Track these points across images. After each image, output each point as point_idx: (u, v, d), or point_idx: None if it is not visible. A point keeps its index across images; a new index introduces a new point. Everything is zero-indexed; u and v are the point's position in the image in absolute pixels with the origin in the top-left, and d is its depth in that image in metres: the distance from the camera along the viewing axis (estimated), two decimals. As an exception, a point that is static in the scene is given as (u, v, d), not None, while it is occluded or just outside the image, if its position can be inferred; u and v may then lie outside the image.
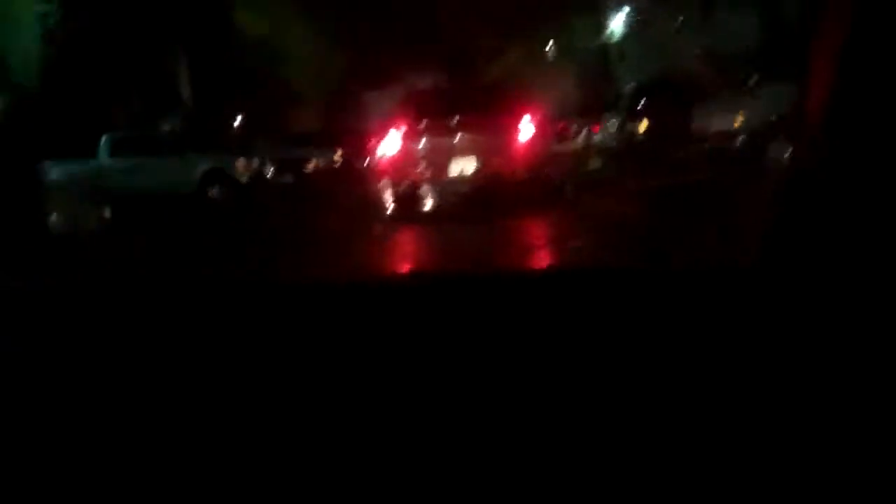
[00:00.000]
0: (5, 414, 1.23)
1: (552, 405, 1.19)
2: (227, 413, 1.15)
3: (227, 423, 1.13)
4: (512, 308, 1.50)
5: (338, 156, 19.80)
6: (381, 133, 10.58)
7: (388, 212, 10.09)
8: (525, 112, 10.82)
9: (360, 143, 20.49)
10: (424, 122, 10.69)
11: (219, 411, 1.16)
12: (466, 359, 1.25)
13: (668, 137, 12.06)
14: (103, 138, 16.05)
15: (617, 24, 28.23)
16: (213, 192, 15.56)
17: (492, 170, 10.36)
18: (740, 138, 9.46)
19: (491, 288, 1.62)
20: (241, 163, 15.86)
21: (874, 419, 1.15)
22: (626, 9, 28.75)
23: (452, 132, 10.52)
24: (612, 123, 16.57)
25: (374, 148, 11.07)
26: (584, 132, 20.08)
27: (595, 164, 16.57)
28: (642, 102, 13.95)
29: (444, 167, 10.37)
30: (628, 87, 17.20)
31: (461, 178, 10.44)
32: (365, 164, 16.82)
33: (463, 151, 10.45)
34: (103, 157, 15.88)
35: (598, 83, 28.47)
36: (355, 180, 15.84)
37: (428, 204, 10.24)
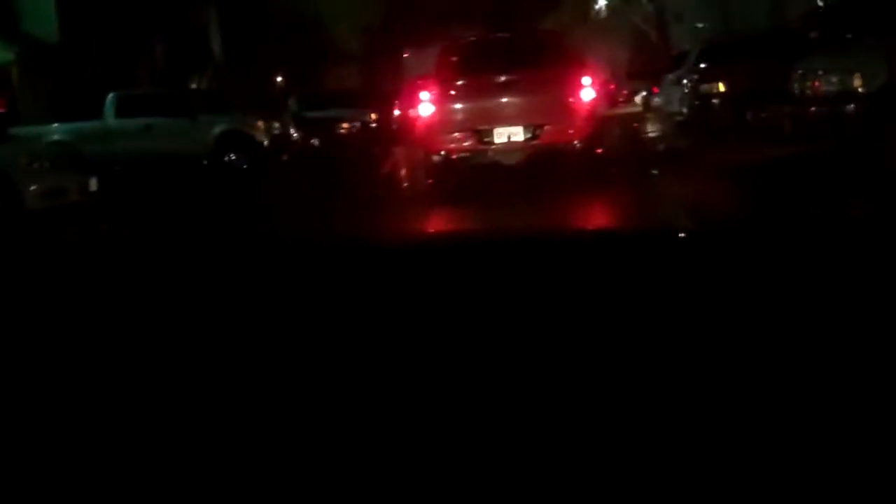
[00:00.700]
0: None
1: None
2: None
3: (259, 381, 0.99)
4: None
5: (372, 117, 17.79)
6: (412, 93, 8.58)
7: (415, 188, 8.24)
8: (583, 70, 8.73)
9: (396, 104, 18.57)
10: (464, 80, 8.66)
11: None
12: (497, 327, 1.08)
13: (754, 100, 9.87)
14: (109, 97, 14.22)
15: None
16: (230, 156, 13.70)
17: (545, 139, 8.32)
18: (859, 101, 7.26)
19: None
20: (261, 124, 13.94)
21: None
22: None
23: (497, 92, 8.47)
24: (677, 85, 14.33)
25: (404, 110, 9.15)
26: (642, 94, 17.81)
27: (658, 130, 14.38)
28: (715, 60, 11.71)
29: (486, 134, 8.38)
30: (698, 43, 14.87)
31: (507, 148, 8.43)
32: (394, 129, 14.82)
33: (510, 116, 8.40)
34: (109, 118, 14.05)
35: (652, 41, 26.11)
36: (386, 147, 13.90)
37: (465, 179, 8.27)
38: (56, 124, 14.33)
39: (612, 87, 22.02)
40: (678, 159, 8.22)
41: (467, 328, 1.11)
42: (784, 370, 0.95)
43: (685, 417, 0.89)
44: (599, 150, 8.58)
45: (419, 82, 8.88)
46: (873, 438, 0.82)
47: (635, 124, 15.02)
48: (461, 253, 1.51)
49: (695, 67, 11.94)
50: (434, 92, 8.57)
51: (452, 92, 8.58)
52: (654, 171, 7.88)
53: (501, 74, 8.48)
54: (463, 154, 8.54)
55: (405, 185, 9.06)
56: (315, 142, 16.01)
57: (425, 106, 8.54)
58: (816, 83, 8.16)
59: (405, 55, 20.82)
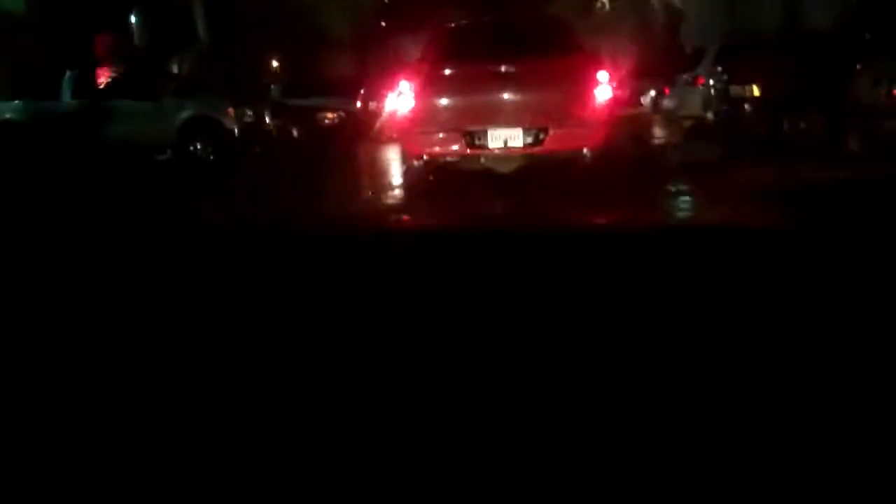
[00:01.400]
0: None
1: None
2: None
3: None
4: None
5: (358, 107, 16.08)
6: (390, 84, 7.00)
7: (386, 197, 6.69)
8: (598, 62, 7.12)
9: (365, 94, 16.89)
10: (453, 69, 7.05)
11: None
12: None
13: (794, 107, 8.30)
14: (66, 74, 12.52)
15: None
16: (196, 145, 12.05)
17: (549, 146, 6.74)
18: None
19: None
20: (232, 110, 12.26)
21: None
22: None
23: (494, 86, 6.87)
24: (693, 86, 12.71)
25: (382, 104, 7.59)
26: (650, 95, 16.18)
27: (670, 136, 12.77)
28: (741, 59, 10.10)
29: (478, 137, 6.79)
30: (713, 41, 13.22)
31: (503, 155, 6.84)
32: (364, 125, 13.16)
33: (508, 115, 6.82)
34: (66, 98, 12.36)
35: (659, 39, 24.46)
36: (365, 142, 12.26)
37: (448, 192, 6.68)
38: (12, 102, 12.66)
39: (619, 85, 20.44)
40: (707, 175, 6.61)
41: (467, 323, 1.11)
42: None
43: (684, 414, 0.88)
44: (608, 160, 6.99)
45: (399, 70, 7.28)
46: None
47: (646, 129, 13.38)
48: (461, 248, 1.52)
49: (720, 68, 10.32)
50: (416, 82, 6.96)
51: (439, 83, 6.98)
52: (682, 195, 6.27)
53: (499, 64, 6.88)
54: (449, 159, 6.95)
55: (372, 193, 7.47)
56: (294, 132, 14.34)
57: (404, 99, 6.93)
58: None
59: (402, 41, 19.13)
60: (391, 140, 7.29)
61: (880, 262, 1.22)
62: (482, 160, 6.92)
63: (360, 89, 16.54)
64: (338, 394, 0.94)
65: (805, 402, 0.87)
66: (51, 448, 0.85)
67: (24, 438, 0.88)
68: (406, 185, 7.06)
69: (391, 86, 7.29)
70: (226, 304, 1.13)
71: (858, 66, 7.16)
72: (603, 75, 6.85)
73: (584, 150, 6.88)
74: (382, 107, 13.72)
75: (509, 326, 1.06)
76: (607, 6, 30.28)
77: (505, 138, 6.79)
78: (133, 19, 20.31)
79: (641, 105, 15.63)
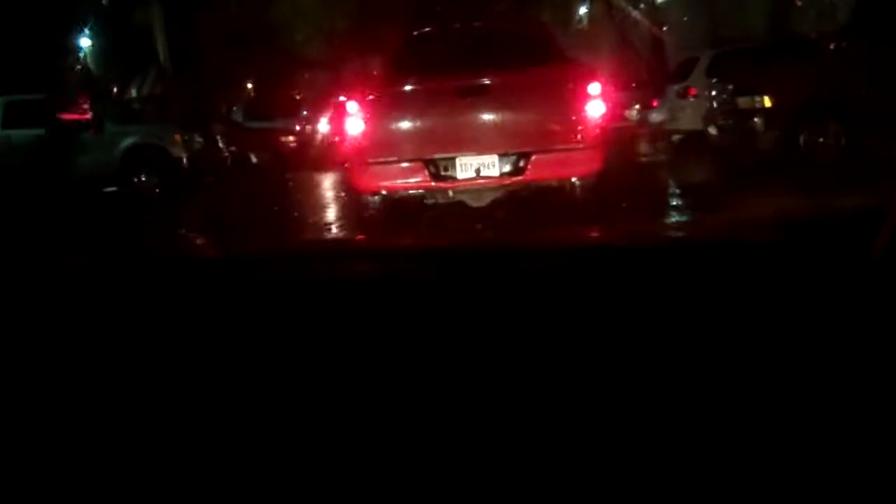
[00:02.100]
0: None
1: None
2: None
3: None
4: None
5: (318, 131, 14.72)
6: (328, 103, 5.67)
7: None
8: (588, 73, 5.82)
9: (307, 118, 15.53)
10: (413, 84, 5.73)
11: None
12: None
13: (811, 120, 7.06)
14: (-3, 103, 11.14)
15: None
16: (141, 177, 10.69)
17: (532, 174, 5.46)
18: None
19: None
20: (179, 137, 10.89)
21: None
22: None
23: (463, 104, 5.56)
24: (685, 98, 11.48)
25: (315, 127, 6.25)
26: (635, 108, 14.94)
27: (659, 152, 11.51)
28: (741, 69, 8.87)
29: (445, 166, 5.49)
30: (711, 49, 12.01)
31: (476, 187, 5.53)
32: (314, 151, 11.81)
33: (481, 139, 5.53)
34: (-5, 128, 10.97)
35: (642, 51, 23.38)
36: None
37: (408, 235, 5.36)
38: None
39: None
40: (724, 206, 5.30)
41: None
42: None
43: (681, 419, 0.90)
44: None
45: (346, 87, 5.95)
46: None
47: (635, 146, 12.10)
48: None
49: (716, 78, 9.07)
50: (367, 101, 5.63)
51: (395, 102, 5.68)
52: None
53: (469, 78, 5.58)
54: (410, 193, 5.63)
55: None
56: (253, 158, 12.96)
57: (352, 122, 5.59)
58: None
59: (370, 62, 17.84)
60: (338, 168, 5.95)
61: None
62: (450, 193, 5.61)
63: (303, 110, 15.27)
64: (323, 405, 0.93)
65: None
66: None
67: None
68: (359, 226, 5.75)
69: (330, 106, 5.96)
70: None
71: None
72: (594, 87, 5.56)
73: (575, 180, 5.60)
74: (316, 130, 12.47)
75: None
76: (585, 22, 29.18)
77: (477, 167, 5.49)
78: (86, 42, 18.91)
79: (626, 118, 14.38)
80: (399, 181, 5.58)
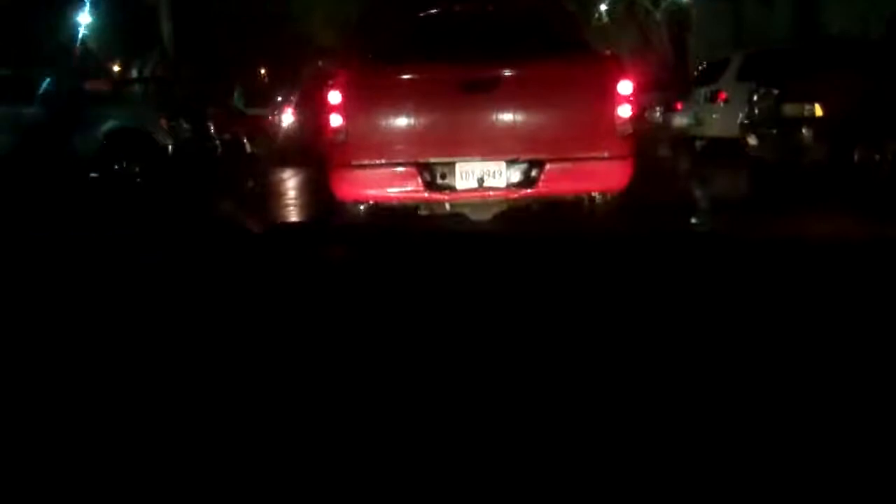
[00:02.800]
0: None
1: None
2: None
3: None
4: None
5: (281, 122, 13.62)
6: (314, 91, 4.72)
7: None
8: (615, 66, 4.80)
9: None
10: (407, 74, 4.73)
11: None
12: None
13: (870, 133, 6.03)
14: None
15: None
16: (123, 163, 9.75)
17: (547, 186, 4.49)
18: None
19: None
20: (165, 122, 9.92)
21: None
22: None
23: (465, 99, 4.57)
24: (713, 102, 10.46)
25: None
26: (657, 111, 13.90)
27: (686, 160, 10.46)
28: (782, 72, 7.85)
29: (442, 172, 4.51)
30: (738, 53, 10.95)
31: (478, 199, 4.56)
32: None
33: (485, 141, 4.56)
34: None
35: (665, 51, 22.33)
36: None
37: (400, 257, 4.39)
38: None
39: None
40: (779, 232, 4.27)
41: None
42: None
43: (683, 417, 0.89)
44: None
45: (329, 73, 4.96)
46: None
47: (659, 151, 11.03)
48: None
49: (756, 82, 8.02)
50: (354, 90, 4.65)
51: (385, 94, 4.68)
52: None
53: (473, 68, 4.59)
54: (402, 203, 4.65)
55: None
56: (248, 146, 12.01)
57: (334, 116, 4.60)
58: None
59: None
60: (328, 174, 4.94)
61: None
62: (447, 206, 4.63)
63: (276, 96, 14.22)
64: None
65: None
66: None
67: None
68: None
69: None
70: None
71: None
72: (625, 85, 4.56)
73: (597, 194, 4.62)
74: (280, 120, 11.26)
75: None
76: (605, 18, 28.07)
77: (480, 175, 4.52)
78: (86, 19, 17.95)
79: (648, 121, 13.34)
80: (387, 189, 4.61)
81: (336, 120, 4.61)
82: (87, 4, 17.68)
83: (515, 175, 4.51)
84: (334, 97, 4.64)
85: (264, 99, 14.75)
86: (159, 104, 10.92)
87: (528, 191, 4.51)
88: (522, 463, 0.85)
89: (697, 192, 5.84)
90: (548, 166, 4.49)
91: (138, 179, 9.78)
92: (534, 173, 4.50)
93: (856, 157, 6.26)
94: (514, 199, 4.59)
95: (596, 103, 4.52)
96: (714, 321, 1.20)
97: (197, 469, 0.88)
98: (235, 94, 16.15)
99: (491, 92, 4.58)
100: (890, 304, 1.37)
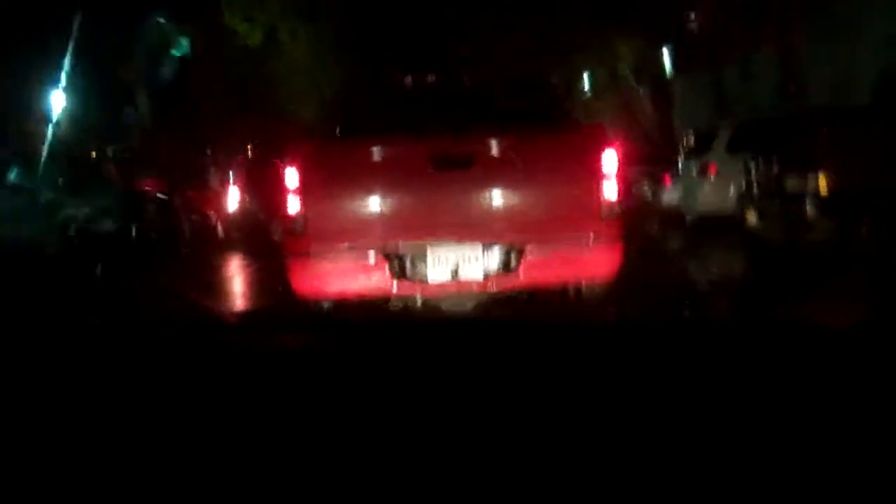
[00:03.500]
0: None
1: None
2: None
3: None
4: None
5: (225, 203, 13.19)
6: (272, 169, 4.29)
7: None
8: (601, 139, 4.39)
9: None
10: (372, 149, 4.30)
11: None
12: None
13: (880, 207, 5.61)
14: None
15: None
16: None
17: (529, 275, 4.02)
18: None
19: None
20: (125, 206, 9.48)
21: None
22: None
23: (437, 177, 4.14)
24: (705, 175, 10.11)
25: (273, 201, 4.85)
26: (644, 186, 13.52)
27: (680, 242, 9.98)
28: (774, 142, 7.49)
29: (413, 260, 4.05)
30: (729, 126, 10.65)
31: (453, 291, 4.08)
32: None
33: (460, 224, 4.10)
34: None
35: (649, 123, 22.31)
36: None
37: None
38: None
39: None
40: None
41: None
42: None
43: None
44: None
45: (286, 149, 4.52)
46: None
47: (649, 230, 10.57)
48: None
49: (751, 154, 7.65)
50: (310, 170, 4.19)
51: (348, 171, 4.23)
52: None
53: (447, 142, 4.17)
54: (366, 299, 4.15)
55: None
56: (219, 226, 11.56)
57: (291, 199, 4.14)
58: None
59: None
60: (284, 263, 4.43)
61: None
62: (418, 299, 4.14)
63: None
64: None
65: None
66: None
67: None
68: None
69: (274, 175, 4.51)
70: None
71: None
72: (611, 158, 4.15)
73: (584, 282, 4.16)
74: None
75: None
76: (587, 92, 28.24)
77: (455, 263, 4.06)
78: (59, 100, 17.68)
79: (636, 197, 12.97)
80: (350, 281, 4.11)
81: (292, 203, 4.15)
82: (60, 85, 17.45)
83: (494, 262, 4.05)
84: (291, 178, 4.18)
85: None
86: (125, 187, 10.49)
87: (509, 280, 4.04)
88: None
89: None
90: (529, 251, 4.03)
91: (97, 268, 9.25)
92: (513, 260, 4.04)
93: (863, 231, 5.84)
94: (493, 288, 4.10)
95: (581, 180, 4.10)
96: (709, 430, 1.13)
97: None
98: (211, 171, 15.79)
99: (465, 168, 4.15)
100: None
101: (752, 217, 7.04)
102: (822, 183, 5.88)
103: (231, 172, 14.27)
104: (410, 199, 4.20)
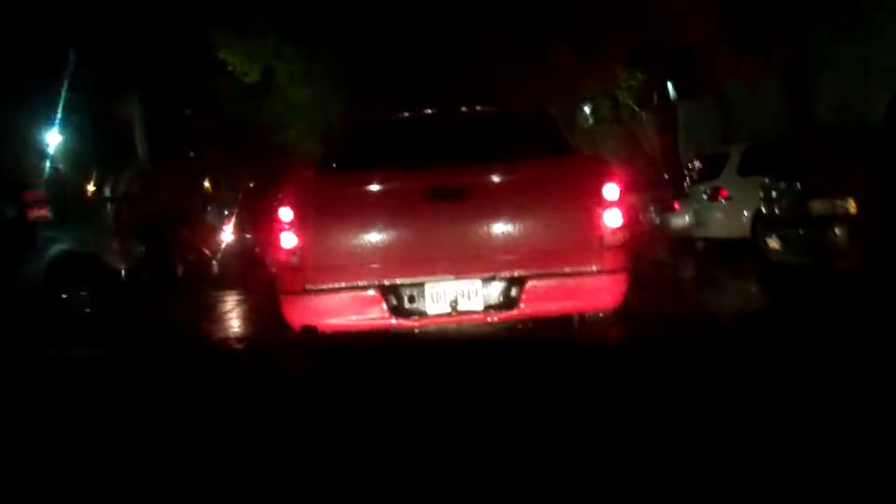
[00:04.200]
0: None
1: None
2: None
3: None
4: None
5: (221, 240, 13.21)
6: (271, 205, 4.26)
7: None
8: (602, 170, 4.34)
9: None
10: (369, 184, 4.25)
11: None
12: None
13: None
14: None
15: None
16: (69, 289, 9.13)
17: (530, 307, 3.94)
18: None
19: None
20: (117, 244, 9.40)
21: None
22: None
23: (434, 210, 4.08)
24: (714, 200, 10.05)
25: (267, 236, 4.83)
26: (652, 212, 13.51)
27: (691, 270, 9.86)
28: (785, 163, 7.36)
29: (409, 295, 3.97)
30: (737, 148, 10.60)
31: (452, 324, 4.00)
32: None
33: (458, 258, 4.03)
34: None
35: (654, 148, 22.33)
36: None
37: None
38: None
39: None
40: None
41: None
42: None
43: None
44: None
45: (281, 184, 4.48)
46: None
47: (658, 258, 10.46)
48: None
49: (769, 178, 7.46)
50: (305, 205, 4.14)
51: (346, 206, 4.17)
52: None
53: (443, 175, 4.12)
54: (361, 332, 4.07)
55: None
56: (214, 265, 11.52)
57: (285, 234, 4.08)
58: None
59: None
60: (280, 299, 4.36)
61: None
62: (416, 333, 4.06)
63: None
64: None
65: None
66: None
67: None
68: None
69: (268, 212, 4.44)
70: None
71: None
72: (612, 188, 4.09)
73: (587, 314, 4.08)
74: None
75: None
76: (590, 120, 28.28)
77: (454, 297, 3.98)
78: (55, 137, 17.77)
79: (644, 224, 12.91)
80: (347, 317, 4.04)
81: (286, 238, 4.08)
82: (57, 122, 17.54)
83: (493, 295, 3.96)
84: (285, 212, 4.13)
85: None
86: (117, 225, 10.41)
87: (508, 313, 3.96)
88: None
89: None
90: (529, 284, 3.94)
91: (87, 309, 9.13)
92: (514, 292, 3.95)
93: None
94: (494, 322, 4.03)
95: (581, 209, 4.03)
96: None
97: None
98: (208, 210, 15.80)
99: (462, 200, 4.08)
100: None
101: (773, 243, 6.77)
102: (853, 205, 5.70)
103: (226, 210, 14.27)
104: (407, 233, 4.12)
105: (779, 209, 6.75)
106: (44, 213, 9.19)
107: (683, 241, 10.86)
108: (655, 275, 7.18)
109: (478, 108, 5.25)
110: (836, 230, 5.70)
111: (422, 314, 3.97)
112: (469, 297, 3.95)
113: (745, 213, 8.47)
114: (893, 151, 5.84)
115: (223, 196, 19.18)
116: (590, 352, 1.87)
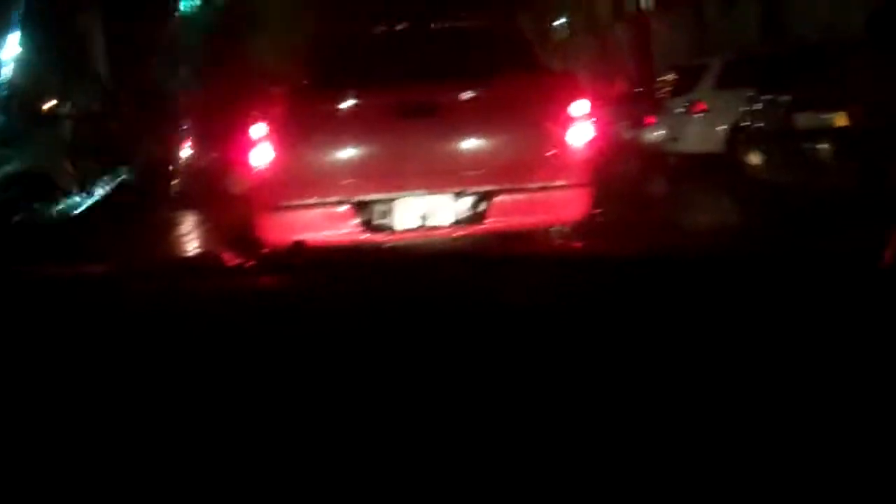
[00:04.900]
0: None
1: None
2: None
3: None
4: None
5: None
6: (241, 122, 4.38)
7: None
8: (570, 86, 4.51)
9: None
10: (339, 100, 4.38)
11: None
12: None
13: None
14: None
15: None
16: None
17: (499, 220, 4.16)
18: None
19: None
20: (69, 165, 9.38)
21: None
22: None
23: (404, 126, 4.23)
24: (689, 114, 10.15)
25: (236, 153, 4.91)
26: (625, 126, 13.56)
27: (663, 183, 10.02)
28: (773, 76, 7.28)
29: (380, 210, 4.16)
30: (719, 60, 10.53)
31: (421, 239, 4.21)
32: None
33: (427, 173, 4.21)
34: None
35: (628, 61, 22.27)
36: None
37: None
38: None
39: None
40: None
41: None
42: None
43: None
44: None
45: (253, 102, 4.59)
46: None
47: (630, 172, 10.60)
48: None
49: (754, 89, 7.36)
50: (280, 121, 4.28)
51: (317, 123, 4.31)
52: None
53: (413, 91, 4.26)
54: (334, 245, 4.28)
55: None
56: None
57: (261, 152, 4.23)
58: None
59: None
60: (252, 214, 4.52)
61: None
62: (386, 247, 4.27)
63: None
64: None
65: None
66: None
67: None
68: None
69: (239, 128, 4.54)
70: None
71: None
72: (581, 105, 4.25)
73: (553, 226, 4.31)
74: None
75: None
76: (563, 34, 28.01)
77: (423, 212, 4.15)
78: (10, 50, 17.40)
79: (616, 138, 13.02)
80: (320, 232, 4.23)
81: (261, 155, 4.23)
82: (14, 39, 17.14)
83: (463, 210, 4.15)
84: (259, 129, 4.26)
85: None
86: (72, 144, 10.32)
87: (478, 227, 4.16)
88: None
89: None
90: (497, 198, 4.14)
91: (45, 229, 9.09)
92: (482, 207, 4.15)
93: (891, 174, 5.63)
94: (462, 235, 4.24)
95: (549, 125, 4.19)
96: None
97: None
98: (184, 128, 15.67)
99: (432, 117, 4.22)
100: None
101: (754, 157, 6.70)
102: (843, 119, 5.71)
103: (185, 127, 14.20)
104: (379, 149, 4.28)
105: (763, 123, 6.66)
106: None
107: (656, 157, 11.01)
108: (623, 189, 7.28)
109: (448, 23, 5.33)
110: (825, 145, 5.70)
111: (391, 228, 4.16)
112: (439, 213, 4.14)
113: (723, 127, 8.57)
114: (884, 65, 5.87)
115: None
116: (553, 264, 1.88)
